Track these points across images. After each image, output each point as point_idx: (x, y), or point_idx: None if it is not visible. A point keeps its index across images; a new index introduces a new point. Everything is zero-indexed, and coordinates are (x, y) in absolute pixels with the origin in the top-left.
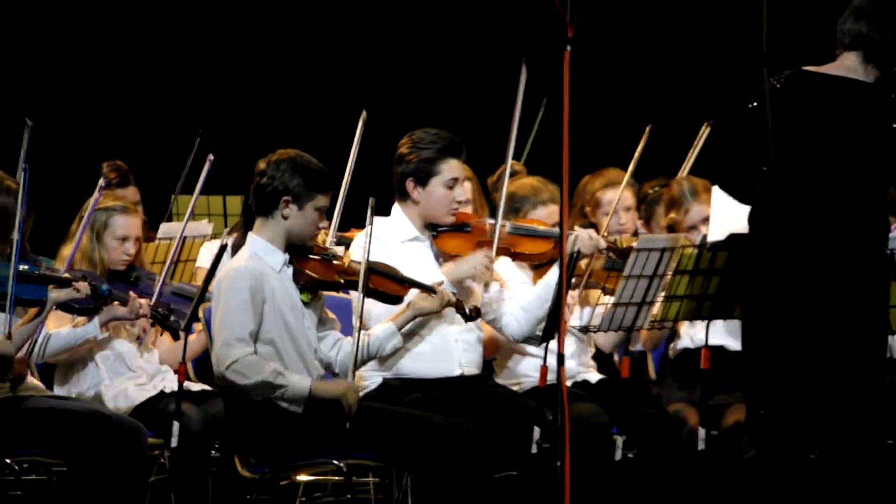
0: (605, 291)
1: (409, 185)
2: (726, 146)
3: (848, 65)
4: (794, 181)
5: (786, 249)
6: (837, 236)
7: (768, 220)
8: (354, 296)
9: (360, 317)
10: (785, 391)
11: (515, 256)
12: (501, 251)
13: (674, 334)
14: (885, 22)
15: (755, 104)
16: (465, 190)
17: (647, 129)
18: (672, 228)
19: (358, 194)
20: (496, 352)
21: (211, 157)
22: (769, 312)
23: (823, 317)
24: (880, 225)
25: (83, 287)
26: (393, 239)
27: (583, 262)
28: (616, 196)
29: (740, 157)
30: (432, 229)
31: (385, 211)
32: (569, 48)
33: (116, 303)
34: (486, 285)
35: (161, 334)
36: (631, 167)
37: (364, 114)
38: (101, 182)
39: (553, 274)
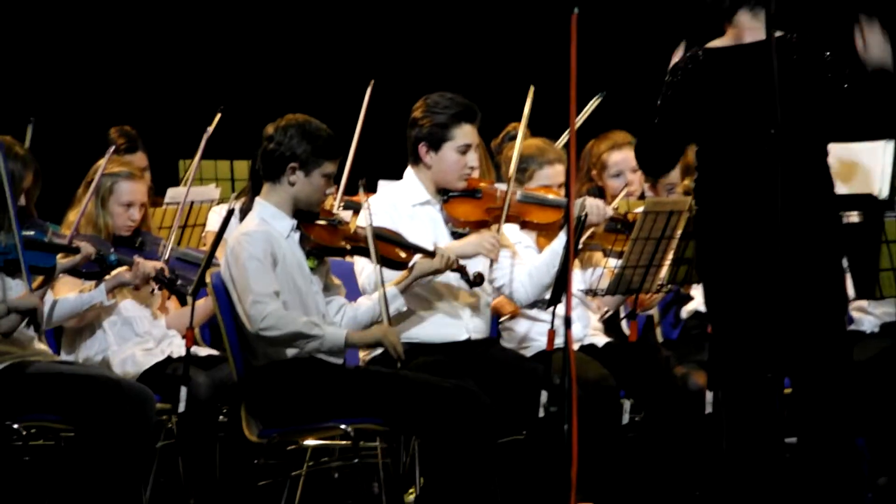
0: (607, 254)
1: (422, 149)
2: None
3: (746, 27)
4: (723, 154)
5: (724, 226)
6: (774, 203)
7: (774, 184)
8: (357, 259)
9: (381, 275)
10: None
11: (525, 225)
12: (511, 219)
13: (686, 297)
14: None
15: (674, 77)
16: (475, 157)
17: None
18: (689, 195)
19: (367, 158)
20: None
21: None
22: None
23: (776, 283)
24: (823, 183)
25: (92, 254)
26: (404, 202)
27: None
28: (623, 157)
29: (660, 129)
30: (443, 194)
31: (396, 174)
32: (576, 10)
33: (125, 268)
34: (493, 261)
35: (168, 299)
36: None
37: (372, 83)
38: (111, 148)
39: (559, 241)
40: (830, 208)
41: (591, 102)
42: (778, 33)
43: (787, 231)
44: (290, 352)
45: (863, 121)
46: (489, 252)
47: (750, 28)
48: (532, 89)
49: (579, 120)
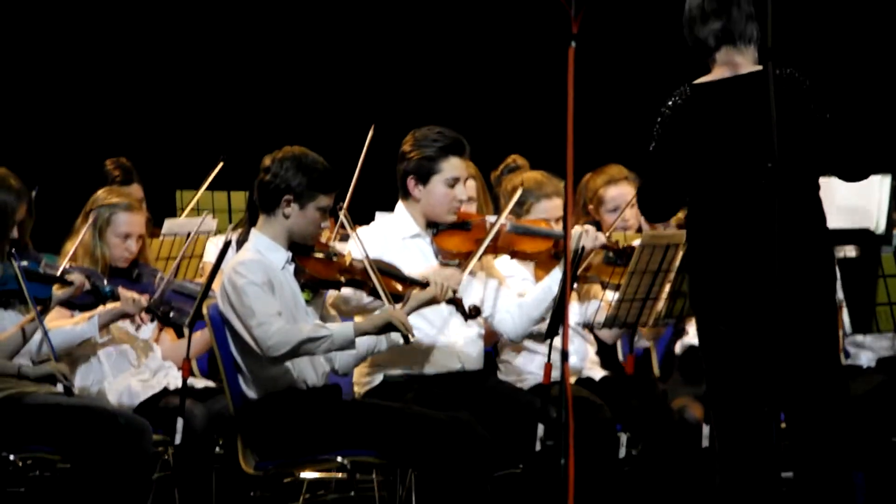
0: (605, 286)
1: (411, 182)
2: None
3: (729, 63)
4: (714, 188)
5: (717, 260)
6: (767, 238)
7: (766, 218)
8: (345, 291)
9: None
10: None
11: (514, 255)
12: (501, 249)
13: (681, 331)
14: (728, 4)
15: (663, 118)
16: (469, 188)
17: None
18: (682, 227)
19: (365, 188)
20: (491, 340)
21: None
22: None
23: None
24: (815, 217)
25: (84, 284)
26: (395, 235)
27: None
28: (619, 192)
29: (657, 174)
30: (434, 227)
31: (390, 207)
32: (573, 44)
33: (117, 303)
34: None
35: (161, 331)
36: None
37: (373, 127)
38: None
39: (553, 277)
40: (823, 242)
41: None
42: (755, 68)
43: (782, 265)
44: (287, 383)
45: (846, 154)
46: (440, 292)
47: (736, 63)
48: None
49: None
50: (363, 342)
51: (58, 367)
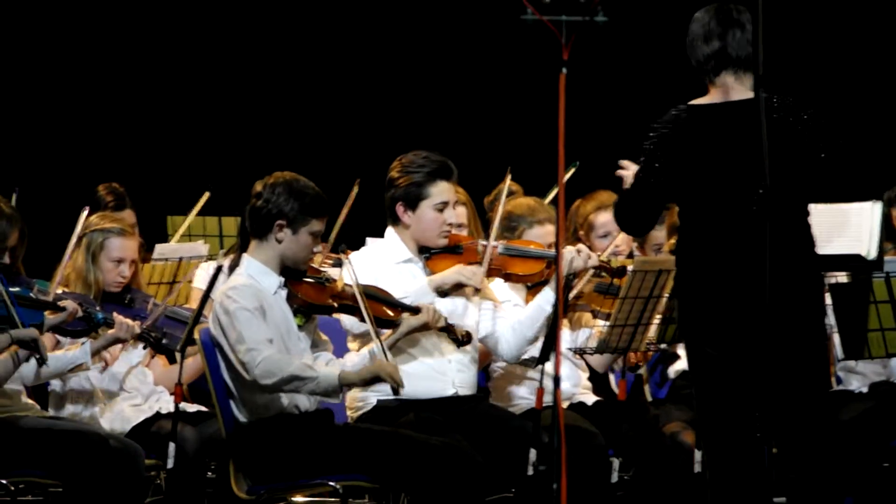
0: (596, 315)
1: (399, 208)
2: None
3: (726, 88)
4: (704, 213)
5: (706, 285)
6: (760, 260)
7: (754, 243)
8: (343, 317)
9: (370, 315)
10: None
11: (508, 277)
12: (494, 272)
13: (674, 356)
14: (728, 26)
15: (655, 134)
16: (459, 214)
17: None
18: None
19: (356, 213)
20: (485, 361)
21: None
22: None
23: (758, 343)
24: (805, 243)
25: (77, 311)
26: (387, 261)
27: (575, 282)
28: (609, 218)
29: (639, 188)
30: (425, 252)
31: (380, 232)
32: (564, 70)
33: (111, 331)
34: (476, 289)
35: (153, 357)
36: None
37: (357, 182)
38: (86, 209)
39: (544, 296)
40: (812, 268)
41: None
42: (748, 94)
43: (772, 291)
44: (279, 407)
45: (839, 184)
46: (468, 279)
47: (734, 88)
48: (509, 171)
49: (552, 192)
50: (354, 367)
51: (40, 336)
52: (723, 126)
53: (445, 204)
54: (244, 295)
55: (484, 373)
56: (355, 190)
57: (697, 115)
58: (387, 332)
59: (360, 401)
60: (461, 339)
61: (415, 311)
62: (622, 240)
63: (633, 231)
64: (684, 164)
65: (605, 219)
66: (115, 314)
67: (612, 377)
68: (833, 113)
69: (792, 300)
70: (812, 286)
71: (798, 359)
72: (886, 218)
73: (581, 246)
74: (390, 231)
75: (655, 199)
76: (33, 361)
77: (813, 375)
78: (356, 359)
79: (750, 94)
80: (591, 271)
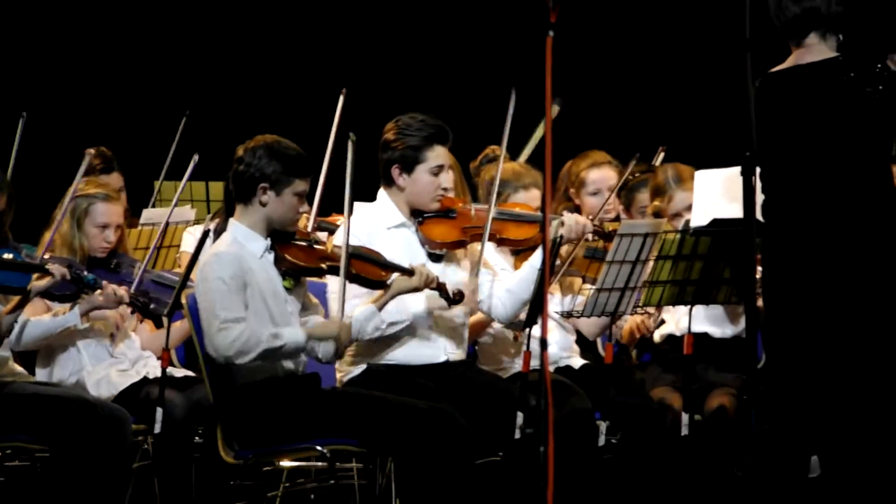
0: (586, 280)
1: (395, 171)
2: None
3: (813, 49)
4: (797, 177)
5: (796, 242)
6: (847, 225)
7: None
8: (331, 280)
9: (343, 296)
10: (790, 389)
11: (501, 242)
12: (488, 237)
13: (659, 321)
14: None
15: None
16: (449, 178)
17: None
18: (658, 216)
19: (339, 178)
20: (480, 332)
21: (196, 157)
22: (779, 304)
23: (837, 311)
24: (889, 200)
25: (66, 275)
26: (379, 225)
27: (565, 249)
28: (601, 175)
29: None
30: (418, 216)
31: (369, 195)
32: (551, 33)
33: (98, 291)
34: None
35: (141, 321)
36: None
37: (343, 92)
38: (84, 166)
39: (536, 256)
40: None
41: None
42: (830, 55)
43: (855, 255)
44: (266, 372)
45: None
46: (414, 284)
47: (813, 50)
48: (513, 92)
49: (537, 136)
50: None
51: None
52: (806, 87)
53: (441, 168)
54: (223, 263)
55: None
56: (342, 97)
57: (772, 83)
58: (377, 292)
59: (350, 365)
60: (453, 296)
61: (406, 270)
62: (613, 199)
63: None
64: (772, 131)
65: (596, 176)
66: (104, 283)
67: (598, 340)
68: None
69: (877, 268)
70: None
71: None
72: None
73: (576, 216)
74: (382, 194)
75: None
76: (19, 323)
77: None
78: (361, 310)
79: (829, 55)
80: (586, 240)
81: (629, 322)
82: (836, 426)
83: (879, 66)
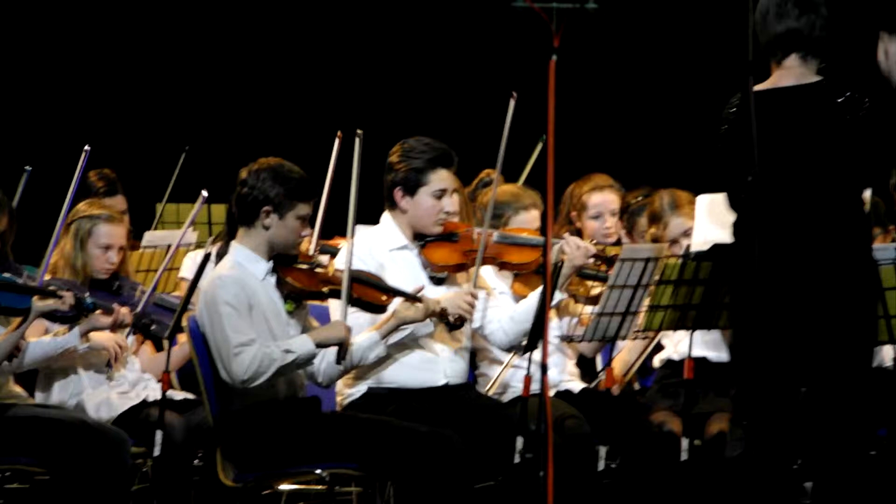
0: (577, 299)
1: (398, 193)
2: (714, 156)
3: (792, 71)
4: (769, 194)
5: (769, 260)
6: (815, 245)
7: (753, 230)
8: (333, 303)
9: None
10: (769, 400)
11: (503, 266)
12: (488, 261)
13: (658, 346)
14: (805, 8)
15: (731, 111)
16: (453, 201)
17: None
18: (656, 242)
19: (341, 202)
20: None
21: (204, 193)
22: (754, 322)
23: (808, 324)
24: (860, 226)
25: (67, 298)
26: (381, 247)
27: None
28: (603, 199)
29: (725, 166)
30: (420, 239)
31: (371, 219)
32: (555, 57)
33: (98, 311)
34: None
35: (142, 343)
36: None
37: (340, 136)
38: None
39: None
40: (863, 251)
41: (536, 150)
42: (815, 78)
43: (820, 275)
44: (266, 395)
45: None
46: (465, 312)
47: (798, 71)
48: (514, 97)
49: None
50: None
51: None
52: (782, 111)
53: (444, 192)
54: (227, 286)
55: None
56: (358, 142)
57: (757, 102)
58: (381, 318)
59: (351, 388)
60: (454, 322)
61: (407, 295)
62: (612, 223)
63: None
64: (742, 154)
65: (598, 199)
66: (114, 305)
67: (598, 363)
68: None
69: (841, 285)
70: (865, 271)
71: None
72: (875, 205)
73: (577, 240)
74: (386, 216)
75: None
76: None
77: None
78: (364, 337)
79: (813, 79)
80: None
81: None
82: (814, 442)
83: (858, 94)
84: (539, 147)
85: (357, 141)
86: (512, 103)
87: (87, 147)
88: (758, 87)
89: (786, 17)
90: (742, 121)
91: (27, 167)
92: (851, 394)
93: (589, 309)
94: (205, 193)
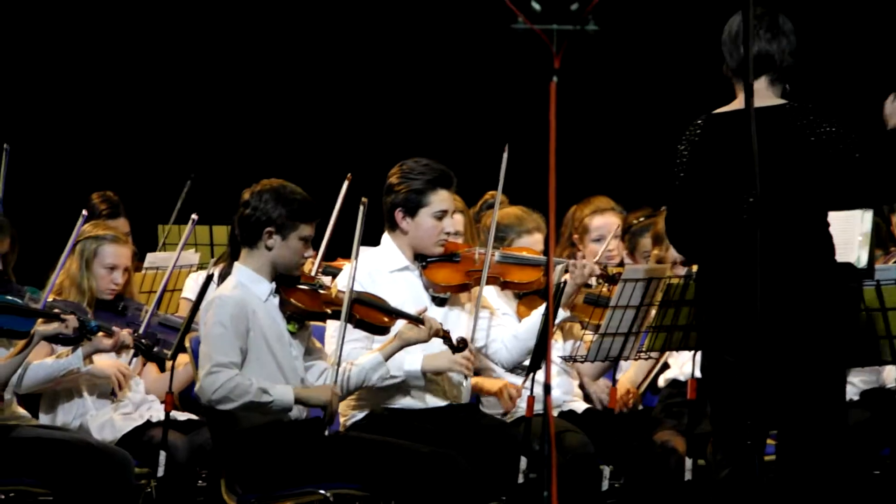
0: (585, 327)
1: (398, 215)
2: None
3: (759, 93)
4: (725, 218)
5: (726, 285)
6: (779, 267)
7: (753, 250)
8: (330, 323)
9: (342, 341)
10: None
11: (505, 285)
12: (491, 280)
13: (664, 366)
14: (775, 33)
15: (696, 133)
16: (456, 222)
17: None
18: (660, 264)
19: (345, 223)
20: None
21: (195, 216)
22: (727, 348)
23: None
24: (824, 248)
25: (71, 321)
26: (382, 269)
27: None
28: (604, 222)
29: (683, 200)
30: (421, 260)
31: (374, 240)
32: (555, 79)
33: (101, 334)
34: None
35: (144, 365)
36: None
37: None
38: (84, 213)
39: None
40: (830, 276)
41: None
42: (779, 102)
43: (789, 300)
44: (269, 416)
45: (874, 187)
46: (463, 370)
47: (761, 94)
48: (507, 149)
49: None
50: (354, 376)
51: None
52: (735, 135)
53: (444, 212)
54: (225, 306)
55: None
56: (362, 209)
57: (719, 123)
58: (384, 339)
59: (354, 409)
60: (457, 344)
61: (409, 317)
62: (614, 245)
63: (687, 251)
64: (705, 172)
65: (599, 222)
66: (114, 328)
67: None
68: (852, 125)
69: (809, 309)
70: (829, 294)
71: (812, 367)
72: (877, 226)
73: (580, 260)
74: (387, 238)
75: (688, 208)
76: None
77: (826, 384)
78: (355, 368)
79: (777, 102)
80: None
81: (619, 392)
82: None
83: (822, 119)
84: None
85: (361, 208)
86: (505, 156)
87: (6, 146)
88: (722, 109)
89: (757, 40)
90: (705, 143)
91: (5, 145)
92: (822, 425)
93: (591, 336)
94: (195, 216)
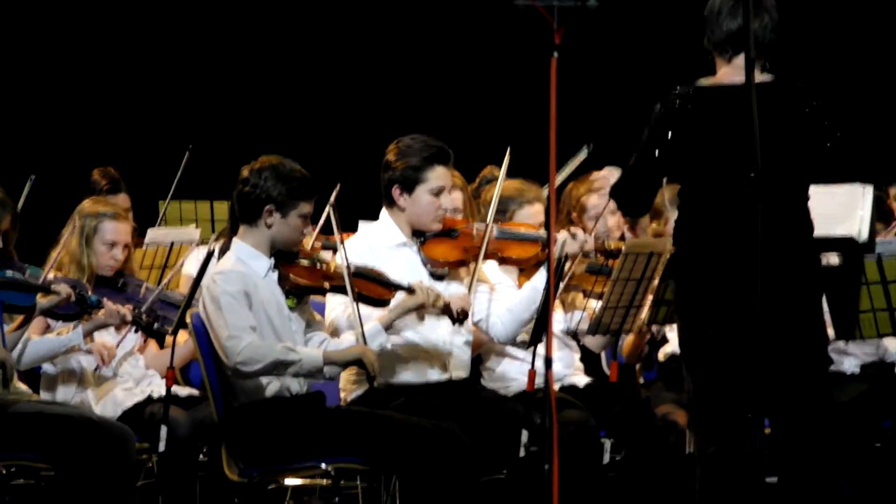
0: (587, 294)
1: (396, 191)
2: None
3: (741, 69)
4: (705, 194)
5: (704, 266)
6: (762, 240)
7: (755, 225)
8: (330, 299)
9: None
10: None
11: (503, 261)
12: (490, 256)
13: (663, 339)
14: (757, 10)
15: (662, 111)
16: (454, 198)
17: None
18: (658, 237)
19: (347, 197)
20: (478, 349)
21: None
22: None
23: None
24: (806, 222)
25: (71, 295)
26: (380, 244)
27: (567, 264)
28: (602, 200)
29: (641, 166)
30: (419, 236)
31: (376, 214)
32: (556, 54)
33: (101, 310)
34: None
35: (145, 341)
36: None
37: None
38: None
39: (539, 277)
40: (811, 251)
41: (577, 156)
42: (766, 77)
43: (768, 272)
44: (271, 391)
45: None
46: (427, 298)
47: (742, 70)
48: (508, 151)
49: (563, 173)
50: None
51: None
52: (726, 108)
53: (442, 189)
54: (229, 280)
55: (478, 355)
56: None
57: (704, 97)
58: (382, 312)
59: (354, 384)
60: (457, 316)
61: (409, 290)
62: (613, 221)
63: (630, 211)
64: (689, 144)
65: (596, 200)
66: (105, 300)
67: (603, 358)
68: (837, 102)
69: (791, 282)
70: (810, 269)
71: (796, 340)
72: (879, 200)
73: (576, 229)
74: (384, 214)
75: (656, 177)
76: (21, 342)
77: (811, 357)
78: (351, 337)
79: (761, 78)
80: (585, 256)
81: (629, 337)
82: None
83: (806, 93)
84: (583, 155)
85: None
86: (507, 159)
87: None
88: (703, 83)
89: (739, 17)
90: (690, 114)
91: (31, 176)
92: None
93: (594, 304)
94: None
